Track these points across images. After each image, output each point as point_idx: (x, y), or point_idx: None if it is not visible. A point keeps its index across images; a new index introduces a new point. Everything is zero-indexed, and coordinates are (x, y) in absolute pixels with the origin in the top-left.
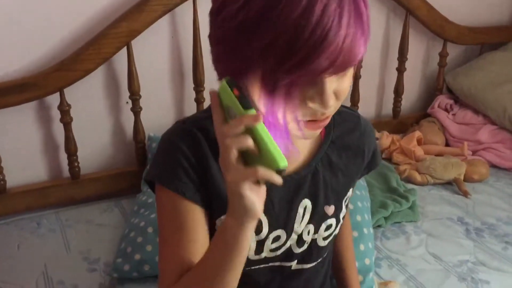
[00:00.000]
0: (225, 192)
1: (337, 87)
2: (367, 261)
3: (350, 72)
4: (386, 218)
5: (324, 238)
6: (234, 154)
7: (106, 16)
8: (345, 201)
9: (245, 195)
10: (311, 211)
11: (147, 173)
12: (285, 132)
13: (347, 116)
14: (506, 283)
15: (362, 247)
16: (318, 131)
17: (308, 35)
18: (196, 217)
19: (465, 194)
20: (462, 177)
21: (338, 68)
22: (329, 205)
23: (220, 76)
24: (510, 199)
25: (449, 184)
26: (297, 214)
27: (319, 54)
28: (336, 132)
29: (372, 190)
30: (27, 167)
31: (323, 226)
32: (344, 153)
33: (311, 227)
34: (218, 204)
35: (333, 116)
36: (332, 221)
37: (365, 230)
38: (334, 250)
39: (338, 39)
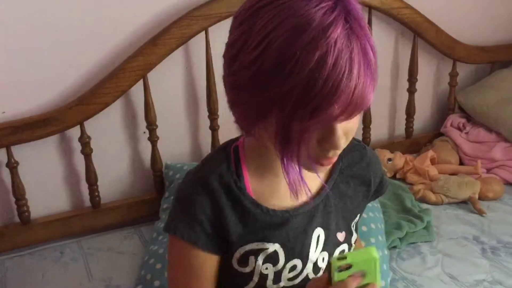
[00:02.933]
0: (239, 230)
1: (347, 127)
2: (382, 283)
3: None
4: (401, 239)
5: None
6: None
7: (123, 51)
8: (353, 226)
9: None
10: (324, 239)
11: (165, 225)
12: (299, 172)
13: (354, 147)
14: None
15: None
16: (329, 167)
17: (320, 86)
18: (208, 264)
19: (480, 212)
20: (476, 196)
21: (349, 114)
22: (341, 232)
23: (237, 120)
24: None
25: (464, 203)
26: (311, 243)
27: (332, 104)
28: (344, 162)
29: (386, 211)
30: (50, 198)
31: (336, 252)
32: (352, 181)
33: (325, 254)
34: (235, 241)
35: None
36: (344, 246)
37: (379, 252)
38: None
39: (349, 89)
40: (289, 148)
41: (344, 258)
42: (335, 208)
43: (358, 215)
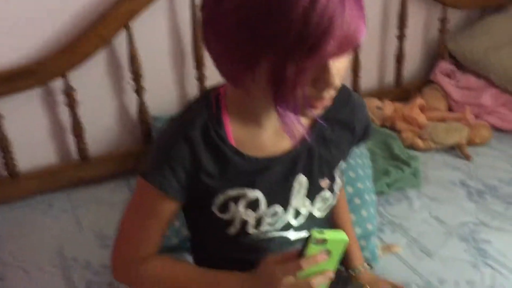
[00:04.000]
0: (218, 178)
1: (339, 66)
2: (369, 226)
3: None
4: (388, 185)
5: (320, 210)
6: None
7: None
8: (336, 173)
9: None
10: (307, 186)
11: (141, 169)
12: (296, 117)
13: (339, 92)
14: (507, 241)
15: (364, 213)
16: (323, 108)
17: (315, 23)
18: (171, 209)
19: (467, 157)
20: (464, 141)
21: (344, 50)
22: (323, 179)
23: (224, 73)
24: None
25: (451, 149)
26: (293, 189)
27: (328, 39)
28: (329, 107)
29: (375, 159)
30: (37, 151)
31: (319, 198)
32: (336, 127)
33: (307, 201)
34: (215, 189)
35: None
36: (327, 193)
37: (366, 197)
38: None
39: (343, 23)
40: (284, 93)
41: (323, 233)
42: (318, 155)
43: (342, 161)
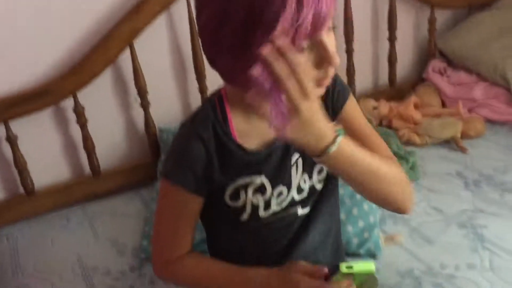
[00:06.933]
0: (227, 171)
1: (331, 42)
2: (371, 219)
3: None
4: None
5: (319, 181)
6: None
7: (107, 20)
8: None
9: None
10: (302, 162)
11: (161, 171)
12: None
13: None
14: (503, 226)
15: (366, 207)
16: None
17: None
18: (195, 206)
19: (463, 150)
20: (459, 135)
21: (323, 22)
22: None
23: (224, 77)
24: (506, 150)
25: (447, 143)
26: (292, 169)
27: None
28: None
29: None
30: (51, 168)
31: (315, 170)
32: None
33: (306, 176)
34: (225, 180)
35: None
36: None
37: None
38: None
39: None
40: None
41: (351, 268)
42: None
43: None
